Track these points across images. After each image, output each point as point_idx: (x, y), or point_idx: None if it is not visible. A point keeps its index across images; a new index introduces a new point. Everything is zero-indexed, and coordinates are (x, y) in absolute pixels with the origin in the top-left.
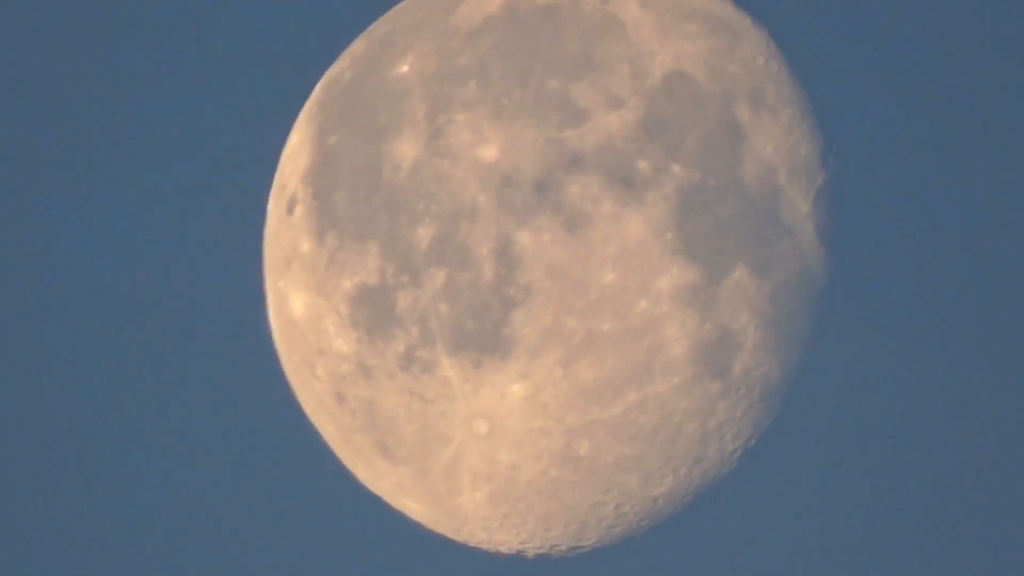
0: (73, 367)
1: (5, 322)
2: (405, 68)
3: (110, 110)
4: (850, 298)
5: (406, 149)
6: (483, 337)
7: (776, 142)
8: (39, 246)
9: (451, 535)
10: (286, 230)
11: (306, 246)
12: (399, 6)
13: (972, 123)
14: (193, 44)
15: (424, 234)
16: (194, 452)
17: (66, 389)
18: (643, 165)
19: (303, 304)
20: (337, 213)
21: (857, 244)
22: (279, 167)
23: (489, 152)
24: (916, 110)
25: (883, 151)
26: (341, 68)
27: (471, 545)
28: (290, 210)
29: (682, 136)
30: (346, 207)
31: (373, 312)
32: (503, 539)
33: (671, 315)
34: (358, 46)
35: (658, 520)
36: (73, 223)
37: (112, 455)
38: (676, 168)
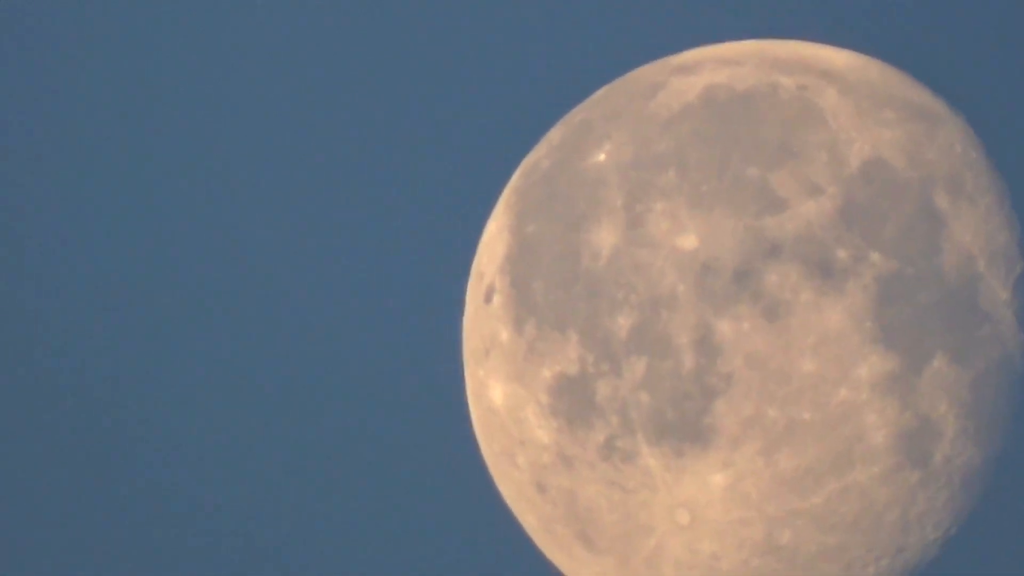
0: (258, 442)
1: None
2: (603, 156)
3: (315, 191)
4: None
5: (604, 237)
6: (684, 426)
7: (975, 230)
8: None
9: None
10: (485, 319)
11: (505, 335)
12: (596, 94)
13: None
14: (396, 128)
15: (624, 323)
16: (393, 540)
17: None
18: (842, 253)
19: (503, 393)
20: (536, 302)
21: None
22: (477, 255)
23: (688, 240)
24: None
25: None
26: (538, 156)
27: None
28: (488, 299)
29: (881, 224)
30: (545, 296)
31: (573, 401)
32: None
33: (871, 404)
34: (555, 134)
35: None
36: (274, 320)
37: (296, 545)
38: (875, 256)
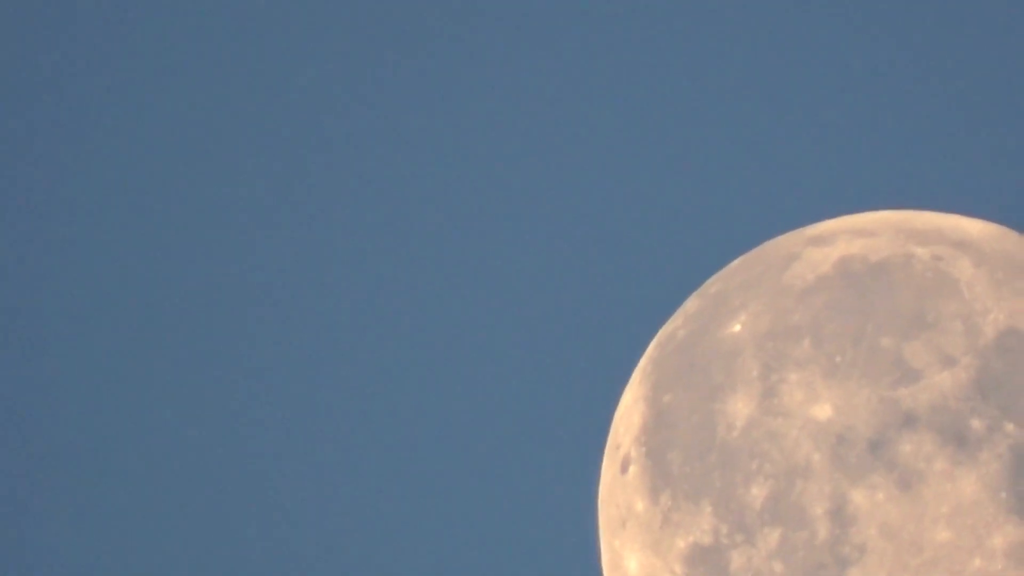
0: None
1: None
2: (738, 327)
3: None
4: None
5: (740, 407)
6: None
7: None
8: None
9: None
10: (620, 490)
11: (640, 505)
12: (731, 265)
13: None
14: (537, 306)
15: (758, 493)
16: None
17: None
18: (976, 424)
19: (637, 564)
20: (671, 472)
21: None
22: (612, 426)
23: (823, 410)
24: None
25: None
26: (675, 326)
27: None
28: (624, 470)
29: (1016, 394)
30: (680, 466)
31: (708, 572)
32: None
33: (1006, 573)
34: (691, 304)
35: None
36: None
37: None
38: (1010, 427)
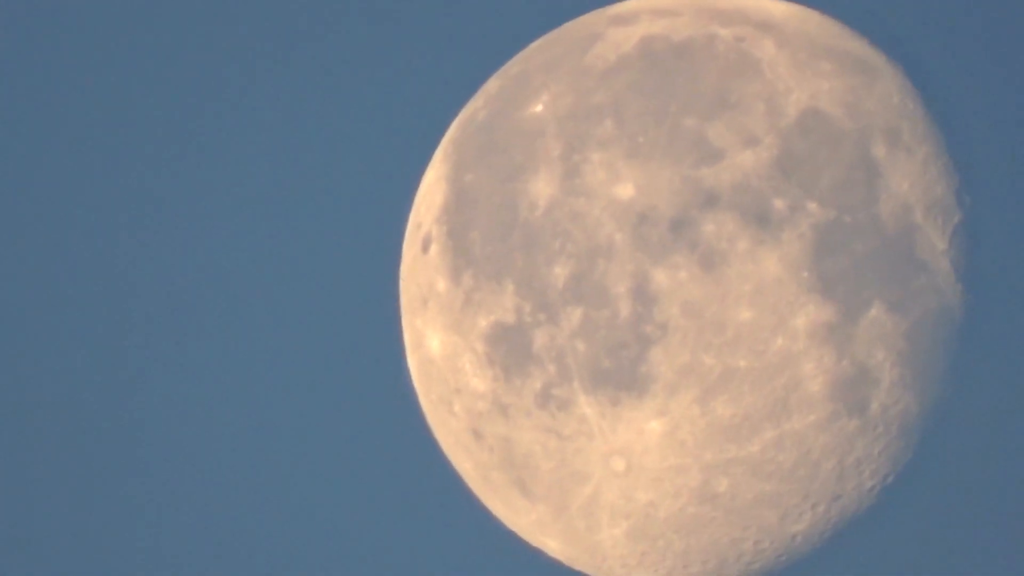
0: (208, 399)
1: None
2: (540, 107)
3: (248, 141)
4: (989, 334)
5: (542, 188)
6: (620, 375)
7: (912, 180)
8: (175, 267)
9: (590, 572)
10: (422, 269)
11: (442, 285)
12: (533, 45)
13: None
14: (332, 79)
15: (560, 272)
16: (332, 488)
17: (194, 417)
18: (779, 203)
19: (440, 343)
20: (473, 252)
21: (994, 280)
22: (414, 205)
23: (625, 190)
24: None
25: (1020, 187)
26: (476, 107)
27: None
28: (425, 249)
29: (818, 174)
30: (482, 246)
31: (510, 350)
32: None
33: (808, 352)
34: (492, 85)
35: (797, 557)
36: (208, 258)
37: (245, 487)
38: (812, 206)
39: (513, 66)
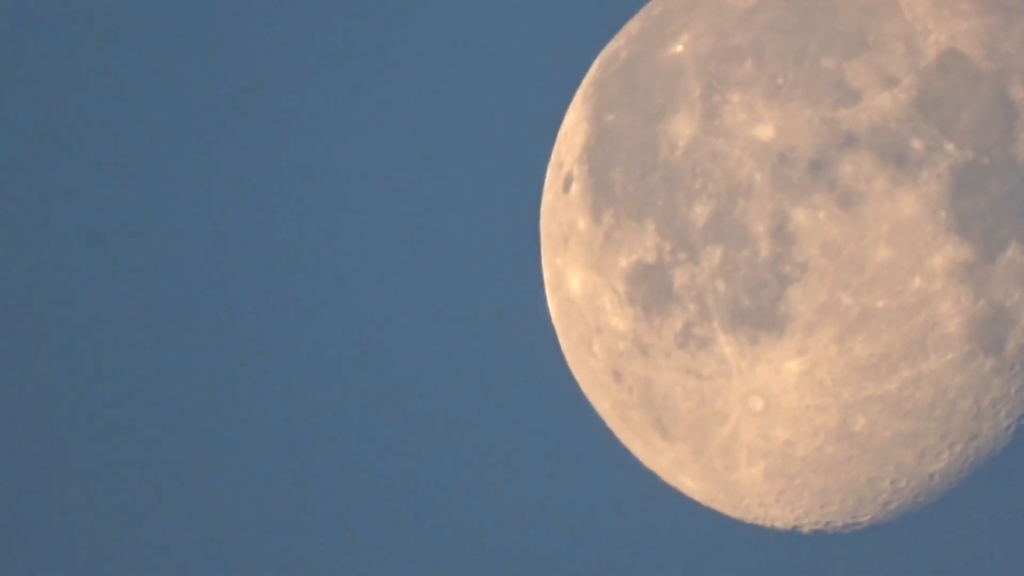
0: (339, 348)
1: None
2: (680, 48)
3: (388, 94)
4: None
5: (682, 128)
6: (759, 314)
7: None
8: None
9: (727, 511)
10: (563, 208)
11: (583, 224)
12: None
13: None
14: (478, 21)
15: (701, 212)
16: (473, 427)
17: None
18: (917, 144)
19: (580, 282)
20: (614, 192)
21: None
22: (555, 145)
23: (765, 131)
24: None
25: None
26: (617, 47)
27: (747, 521)
28: (566, 188)
29: (956, 115)
30: (623, 186)
31: (650, 290)
32: (778, 515)
33: (945, 292)
34: (634, 26)
35: (934, 497)
36: (344, 209)
37: (383, 436)
38: (950, 147)
39: (654, 7)
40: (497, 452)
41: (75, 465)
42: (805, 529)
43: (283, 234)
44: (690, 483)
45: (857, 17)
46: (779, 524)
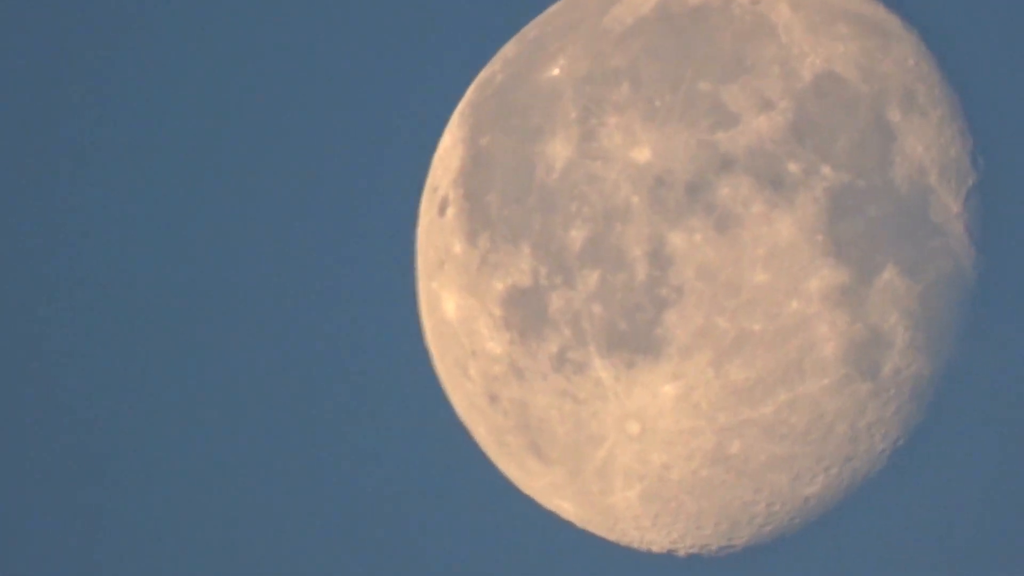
0: (215, 364)
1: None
2: (557, 70)
3: (264, 109)
4: (1002, 297)
5: (559, 150)
6: (636, 338)
7: (926, 143)
8: (179, 248)
9: (603, 534)
10: (438, 231)
11: (458, 248)
12: (551, 9)
13: None
14: (349, 44)
15: (577, 235)
16: (346, 453)
17: (204, 386)
18: (794, 167)
19: (455, 306)
20: (490, 215)
21: (1008, 243)
22: (431, 169)
23: (642, 154)
24: None
25: None
26: (493, 70)
27: (623, 544)
28: (442, 211)
29: (832, 138)
30: (499, 209)
31: (526, 314)
32: (654, 538)
33: (821, 315)
34: (510, 49)
35: (809, 519)
36: (213, 226)
37: (257, 455)
38: (826, 169)
39: (531, 30)
40: (371, 479)
41: (64, 464)
42: (681, 552)
43: (158, 249)
44: (567, 506)
45: (733, 41)
46: (655, 547)
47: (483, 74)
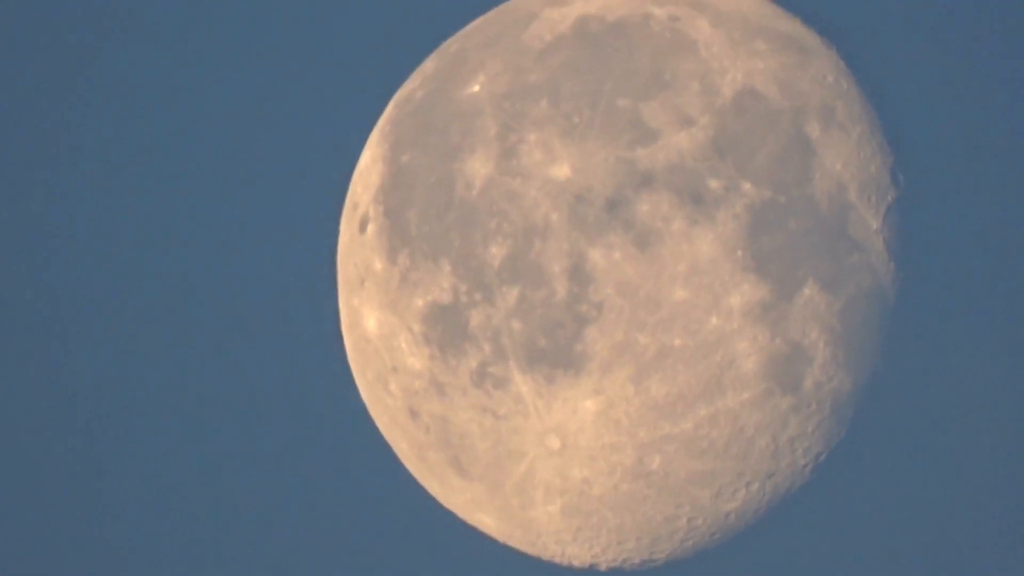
0: (141, 377)
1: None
2: (477, 87)
3: (182, 124)
4: (922, 313)
5: (478, 167)
6: (556, 353)
7: (846, 159)
8: (117, 258)
9: (525, 549)
10: (358, 248)
11: (378, 265)
12: (470, 25)
13: None
14: (264, 63)
15: (497, 252)
16: (267, 468)
17: (131, 397)
18: (714, 183)
19: (376, 322)
20: (410, 232)
21: (928, 259)
22: (351, 185)
23: (561, 170)
24: (987, 125)
25: (954, 167)
26: (412, 87)
27: (544, 559)
28: (362, 229)
29: (752, 154)
30: (418, 226)
31: (446, 330)
32: (576, 553)
33: (742, 331)
34: (429, 64)
35: (730, 534)
36: (131, 241)
37: (180, 467)
38: (746, 186)
39: (450, 46)
40: (291, 495)
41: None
42: (603, 566)
43: (69, 252)
44: (488, 521)
45: (653, 56)
46: (577, 562)
47: (403, 91)
